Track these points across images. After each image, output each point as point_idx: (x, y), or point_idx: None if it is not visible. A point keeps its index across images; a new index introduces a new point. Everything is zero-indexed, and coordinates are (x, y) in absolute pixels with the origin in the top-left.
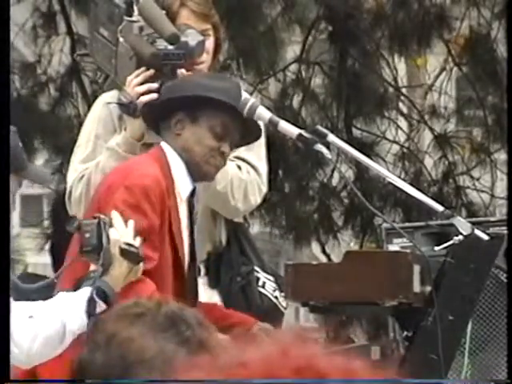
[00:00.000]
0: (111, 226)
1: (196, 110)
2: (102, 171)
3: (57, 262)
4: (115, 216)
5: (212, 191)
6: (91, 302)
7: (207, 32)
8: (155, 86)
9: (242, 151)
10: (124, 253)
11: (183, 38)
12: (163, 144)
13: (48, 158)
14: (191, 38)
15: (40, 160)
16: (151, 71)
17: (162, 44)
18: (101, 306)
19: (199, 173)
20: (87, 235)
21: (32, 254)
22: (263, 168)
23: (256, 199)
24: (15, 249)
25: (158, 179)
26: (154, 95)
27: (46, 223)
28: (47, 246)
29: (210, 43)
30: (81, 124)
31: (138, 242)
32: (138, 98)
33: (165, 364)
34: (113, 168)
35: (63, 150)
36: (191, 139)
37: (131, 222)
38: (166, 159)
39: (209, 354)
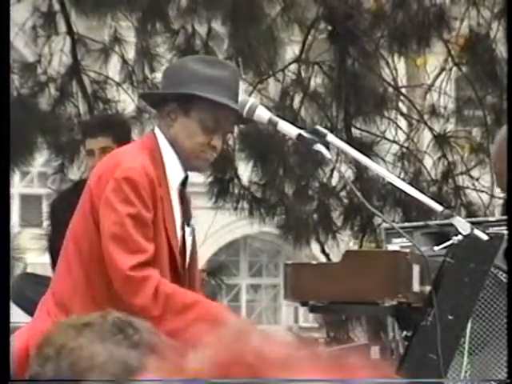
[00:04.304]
0: None
1: (188, 103)
2: None
3: (55, 262)
4: None
5: None
6: None
7: None
8: None
9: None
10: None
11: None
12: (156, 131)
13: (48, 157)
14: None
15: (40, 160)
16: None
17: None
18: None
19: (190, 165)
20: None
21: (32, 253)
22: None
23: None
24: (15, 247)
25: (146, 170)
26: None
27: (46, 223)
28: (46, 246)
29: None
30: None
31: None
32: None
33: (117, 367)
34: (104, 159)
35: (64, 149)
36: (182, 133)
37: None
38: (159, 146)
39: (160, 357)
